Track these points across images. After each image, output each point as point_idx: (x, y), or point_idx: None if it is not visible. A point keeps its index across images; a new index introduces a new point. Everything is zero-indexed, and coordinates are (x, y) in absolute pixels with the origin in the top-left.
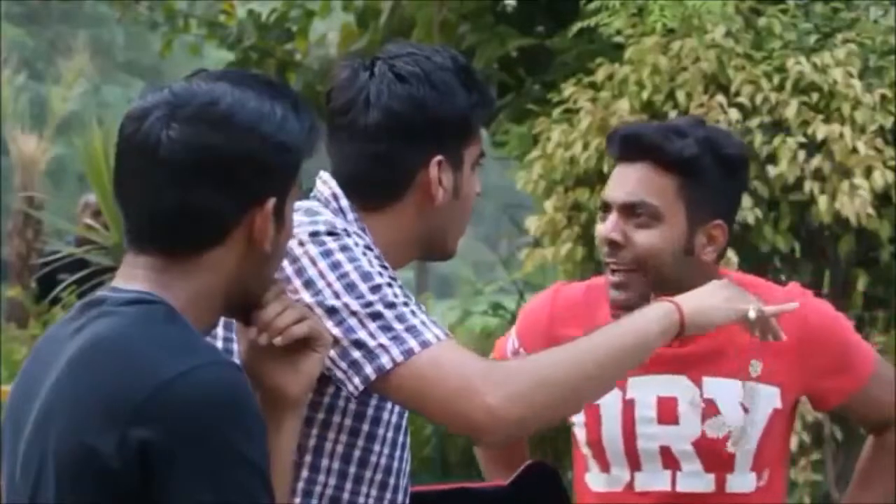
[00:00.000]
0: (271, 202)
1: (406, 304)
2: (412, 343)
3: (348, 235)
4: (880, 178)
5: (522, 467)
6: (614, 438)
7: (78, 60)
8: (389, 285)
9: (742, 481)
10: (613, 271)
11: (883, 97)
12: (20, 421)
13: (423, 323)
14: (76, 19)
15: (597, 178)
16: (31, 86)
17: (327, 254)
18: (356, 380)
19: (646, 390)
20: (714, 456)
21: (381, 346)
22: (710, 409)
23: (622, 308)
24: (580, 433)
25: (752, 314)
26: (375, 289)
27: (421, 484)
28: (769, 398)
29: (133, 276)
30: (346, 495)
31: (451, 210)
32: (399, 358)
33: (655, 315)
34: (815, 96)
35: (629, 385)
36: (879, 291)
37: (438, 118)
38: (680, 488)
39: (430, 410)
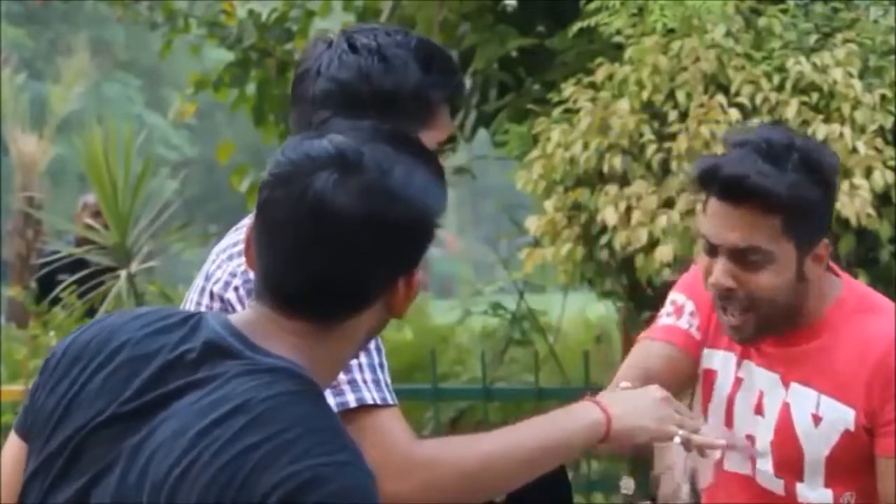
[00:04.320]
0: (417, 272)
1: (357, 355)
2: (349, 397)
3: None
4: (880, 178)
5: None
6: (719, 406)
7: (78, 60)
8: None
9: (815, 495)
10: (729, 312)
11: (883, 97)
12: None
13: (365, 381)
14: (76, 19)
15: (597, 178)
16: (31, 86)
17: None
18: None
19: (752, 376)
20: (783, 459)
21: None
22: (784, 414)
23: (743, 344)
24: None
25: (676, 440)
26: None
27: None
28: (843, 416)
29: (276, 337)
30: None
31: None
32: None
33: (583, 425)
34: (815, 96)
35: (742, 366)
36: (879, 291)
37: (384, 91)
38: (759, 481)
39: None
